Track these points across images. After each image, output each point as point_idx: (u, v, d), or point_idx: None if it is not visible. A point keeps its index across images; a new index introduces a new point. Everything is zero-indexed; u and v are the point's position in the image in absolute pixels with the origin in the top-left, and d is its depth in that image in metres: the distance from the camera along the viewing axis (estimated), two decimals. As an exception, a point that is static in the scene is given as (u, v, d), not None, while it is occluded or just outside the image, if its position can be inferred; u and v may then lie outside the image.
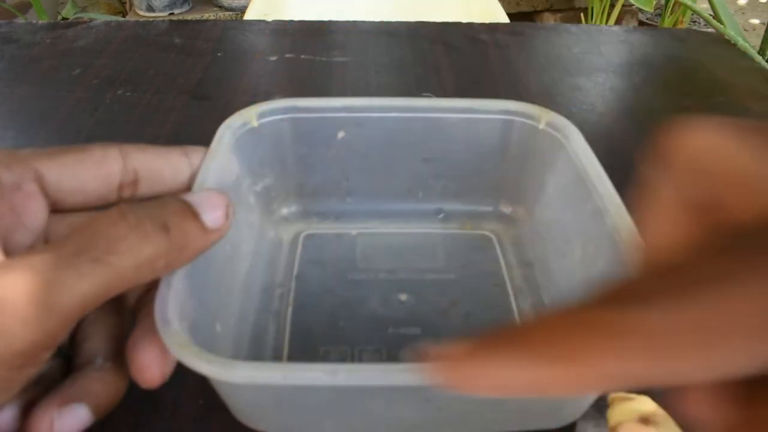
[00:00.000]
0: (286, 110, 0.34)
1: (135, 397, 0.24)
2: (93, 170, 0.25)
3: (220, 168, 0.29)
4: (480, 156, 0.35)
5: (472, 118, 0.34)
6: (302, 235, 0.36)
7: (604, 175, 0.29)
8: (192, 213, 0.22)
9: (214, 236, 0.23)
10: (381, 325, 0.31)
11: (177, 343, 0.21)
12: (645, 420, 0.24)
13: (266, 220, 0.36)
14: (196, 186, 0.27)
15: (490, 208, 0.37)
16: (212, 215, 0.23)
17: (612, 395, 0.25)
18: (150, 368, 0.22)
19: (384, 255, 0.35)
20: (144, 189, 0.26)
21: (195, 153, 0.28)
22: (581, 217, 0.29)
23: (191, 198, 0.23)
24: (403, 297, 0.32)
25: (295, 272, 0.34)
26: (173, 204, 0.22)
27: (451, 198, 0.37)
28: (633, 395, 0.25)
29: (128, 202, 0.21)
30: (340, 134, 0.35)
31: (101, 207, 0.26)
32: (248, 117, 0.33)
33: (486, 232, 0.37)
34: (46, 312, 0.18)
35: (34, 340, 0.19)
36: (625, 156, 0.45)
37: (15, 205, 0.23)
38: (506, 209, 0.37)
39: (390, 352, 0.30)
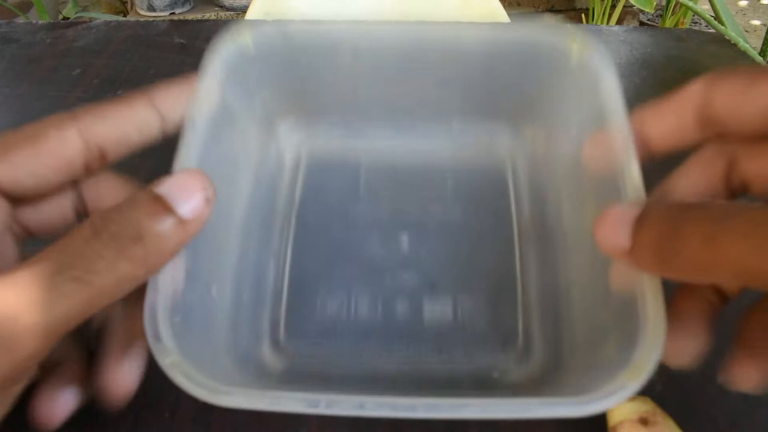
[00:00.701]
0: (283, 27, 0.30)
1: (135, 396, 0.24)
2: (50, 162, 0.23)
3: (211, 110, 0.26)
4: (500, 80, 0.32)
5: (495, 42, 0.30)
6: (304, 156, 0.34)
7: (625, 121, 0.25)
8: (165, 208, 0.21)
9: (193, 227, 0.21)
10: (379, 271, 0.30)
11: (169, 364, 0.21)
12: (645, 420, 0.24)
13: (266, 141, 0.33)
14: (186, 135, 0.25)
15: (507, 136, 0.34)
16: (189, 205, 0.21)
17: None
18: (123, 388, 0.23)
19: (389, 184, 0.33)
20: (113, 157, 0.25)
21: (163, 98, 0.25)
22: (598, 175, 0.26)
23: (163, 189, 0.21)
24: (404, 239, 0.31)
25: (297, 200, 0.32)
26: (144, 203, 0.21)
27: (466, 121, 0.34)
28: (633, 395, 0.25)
29: (101, 211, 0.20)
30: (346, 49, 0.31)
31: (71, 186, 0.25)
32: (243, 41, 0.29)
33: (500, 161, 0.34)
34: (30, 335, 0.18)
35: (19, 363, 0.19)
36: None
37: None
38: (524, 138, 0.34)
39: (385, 302, 0.29)
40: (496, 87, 0.32)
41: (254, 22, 0.30)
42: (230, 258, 0.28)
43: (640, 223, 0.20)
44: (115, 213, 0.20)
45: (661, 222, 0.19)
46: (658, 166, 0.24)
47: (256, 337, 0.29)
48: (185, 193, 0.21)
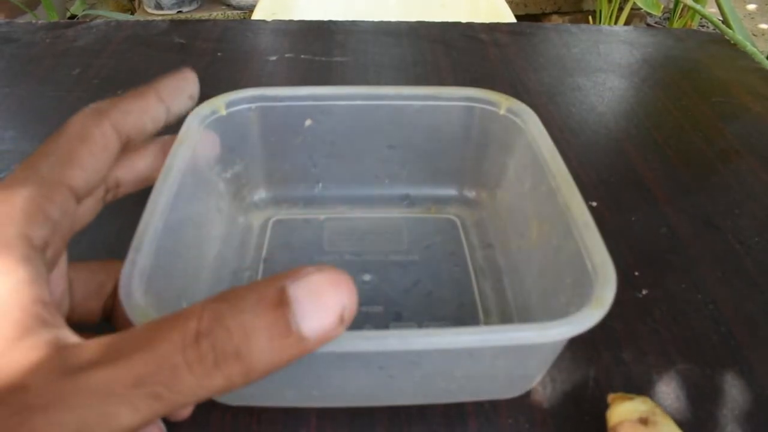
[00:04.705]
0: (254, 99, 0.34)
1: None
2: (105, 158, 0.24)
3: (188, 155, 0.29)
4: (443, 142, 0.36)
5: (435, 105, 0.35)
6: (271, 221, 0.37)
7: (558, 156, 0.30)
8: (285, 325, 0.17)
9: (311, 346, 0.17)
10: None
11: (140, 315, 0.21)
12: (644, 420, 0.24)
13: (236, 206, 0.36)
14: (162, 174, 0.27)
15: (454, 193, 0.38)
16: (316, 323, 0.17)
17: (612, 395, 0.25)
18: None
19: (350, 239, 0.36)
20: (130, 146, 0.26)
21: (167, 91, 0.26)
22: (537, 197, 0.30)
23: (295, 292, 0.17)
24: (367, 277, 0.33)
25: (263, 255, 0.34)
26: (263, 311, 0.17)
27: (417, 184, 0.38)
28: (633, 395, 0.25)
29: (209, 305, 0.18)
30: (308, 122, 0.35)
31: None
32: (216, 106, 0.33)
33: (450, 216, 0.37)
34: None
35: None
36: (625, 155, 0.45)
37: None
38: (469, 193, 0.38)
39: (352, 329, 0.30)
40: (440, 145, 0.36)
41: (228, 95, 0.34)
42: (196, 300, 0.29)
43: None
44: (228, 314, 0.17)
45: None
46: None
47: None
48: (318, 307, 0.17)
